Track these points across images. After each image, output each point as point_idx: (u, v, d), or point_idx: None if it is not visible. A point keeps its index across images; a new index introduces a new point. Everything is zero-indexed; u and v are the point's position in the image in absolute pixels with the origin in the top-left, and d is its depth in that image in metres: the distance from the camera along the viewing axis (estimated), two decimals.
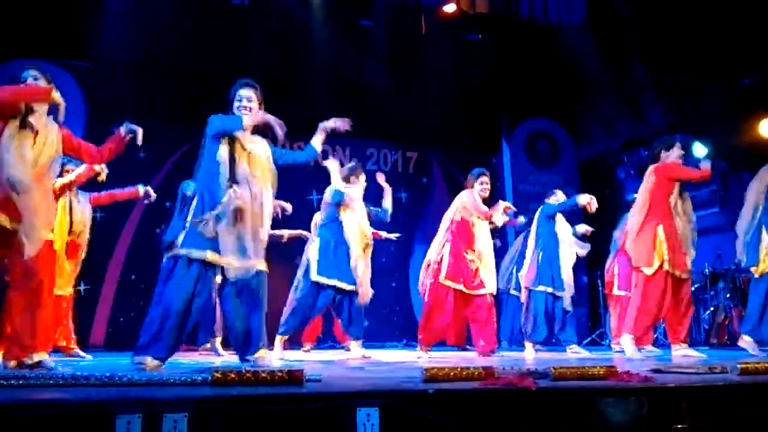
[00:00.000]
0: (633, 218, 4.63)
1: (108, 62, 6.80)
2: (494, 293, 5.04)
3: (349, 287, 4.53)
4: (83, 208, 4.76)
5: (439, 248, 5.01)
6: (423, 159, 8.63)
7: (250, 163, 3.20)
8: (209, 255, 3.06)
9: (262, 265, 3.23)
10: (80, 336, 5.13)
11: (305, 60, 7.63)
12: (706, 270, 6.95)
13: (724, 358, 3.74)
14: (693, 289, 6.96)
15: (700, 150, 7.52)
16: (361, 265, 4.59)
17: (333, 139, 8.17)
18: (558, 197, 5.73)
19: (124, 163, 6.67)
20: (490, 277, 4.98)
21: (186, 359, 4.14)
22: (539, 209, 5.74)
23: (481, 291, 4.90)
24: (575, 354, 5.25)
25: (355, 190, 4.76)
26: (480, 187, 5.04)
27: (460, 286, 4.84)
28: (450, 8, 7.35)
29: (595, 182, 8.51)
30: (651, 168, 4.58)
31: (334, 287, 4.52)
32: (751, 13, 6.15)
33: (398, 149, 8.56)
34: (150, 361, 2.92)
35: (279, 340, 4.56)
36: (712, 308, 6.75)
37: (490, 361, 3.87)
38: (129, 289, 6.75)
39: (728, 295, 6.66)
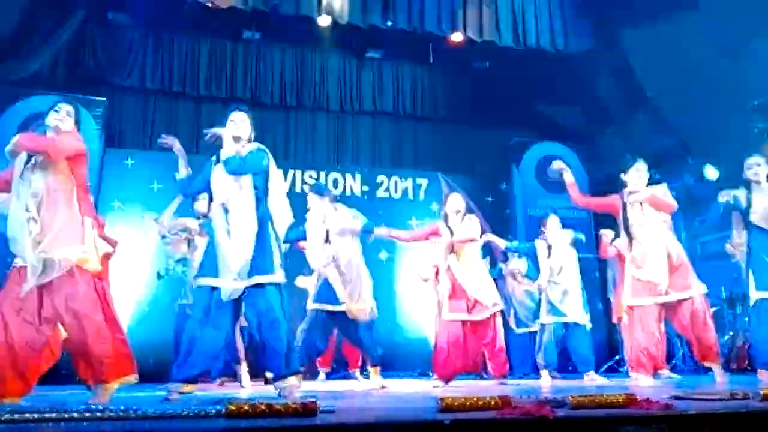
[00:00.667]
0: None
1: (123, 95, 6.94)
2: (497, 314, 4.94)
3: (336, 308, 4.49)
4: None
5: (441, 284, 5.03)
6: (433, 185, 8.65)
7: (226, 187, 3.31)
8: (212, 281, 3.25)
9: (259, 280, 3.24)
10: None
11: (315, 89, 7.74)
12: (723, 294, 6.84)
13: (746, 384, 3.66)
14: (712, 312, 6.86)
15: (711, 172, 7.49)
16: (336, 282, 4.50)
17: (345, 166, 8.34)
18: (552, 221, 5.70)
19: (140, 193, 6.76)
20: (490, 299, 4.89)
21: (204, 391, 4.11)
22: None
23: (484, 314, 4.84)
24: (592, 381, 5.16)
25: (312, 216, 4.69)
26: (452, 207, 5.02)
27: (463, 315, 4.80)
28: (457, 37, 7.46)
29: None
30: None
31: (326, 311, 4.50)
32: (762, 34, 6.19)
33: (408, 176, 8.61)
34: (183, 387, 3.13)
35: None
36: (731, 333, 6.62)
37: (506, 390, 3.82)
38: (142, 321, 6.76)
39: (746, 319, 6.53)
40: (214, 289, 3.25)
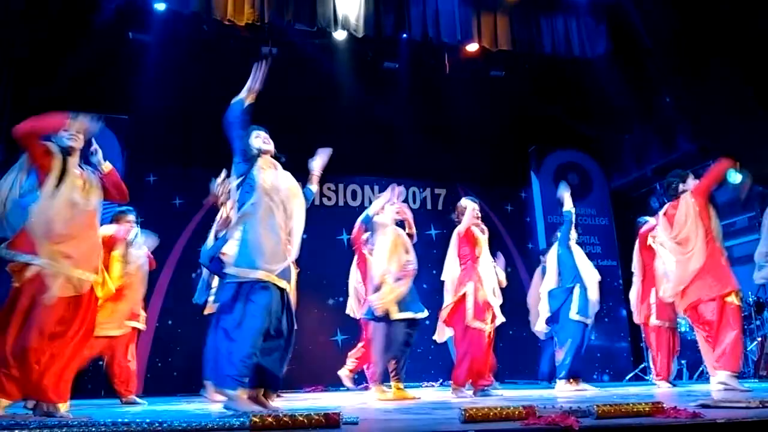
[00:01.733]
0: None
1: (144, 113, 7.04)
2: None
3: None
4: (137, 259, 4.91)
5: (460, 289, 4.94)
6: (452, 195, 8.64)
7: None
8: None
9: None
10: None
11: (332, 102, 7.79)
12: (750, 299, 6.71)
13: None
14: None
15: (734, 175, 7.38)
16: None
17: (363, 178, 8.36)
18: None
19: (161, 210, 6.85)
20: (498, 310, 4.93)
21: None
22: (555, 244, 5.75)
23: (496, 324, 4.87)
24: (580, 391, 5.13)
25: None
26: (471, 214, 5.00)
27: (485, 325, 4.78)
28: (472, 47, 7.48)
29: (628, 211, 8.40)
30: (687, 196, 4.45)
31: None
32: None
33: (427, 186, 8.61)
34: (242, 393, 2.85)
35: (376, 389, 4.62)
36: (759, 339, 6.49)
37: (530, 400, 3.78)
38: (166, 334, 6.83)
39: None
40: None
